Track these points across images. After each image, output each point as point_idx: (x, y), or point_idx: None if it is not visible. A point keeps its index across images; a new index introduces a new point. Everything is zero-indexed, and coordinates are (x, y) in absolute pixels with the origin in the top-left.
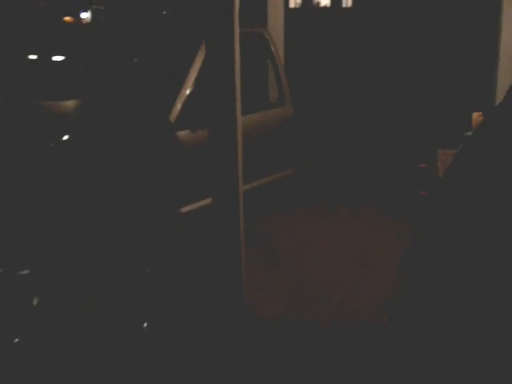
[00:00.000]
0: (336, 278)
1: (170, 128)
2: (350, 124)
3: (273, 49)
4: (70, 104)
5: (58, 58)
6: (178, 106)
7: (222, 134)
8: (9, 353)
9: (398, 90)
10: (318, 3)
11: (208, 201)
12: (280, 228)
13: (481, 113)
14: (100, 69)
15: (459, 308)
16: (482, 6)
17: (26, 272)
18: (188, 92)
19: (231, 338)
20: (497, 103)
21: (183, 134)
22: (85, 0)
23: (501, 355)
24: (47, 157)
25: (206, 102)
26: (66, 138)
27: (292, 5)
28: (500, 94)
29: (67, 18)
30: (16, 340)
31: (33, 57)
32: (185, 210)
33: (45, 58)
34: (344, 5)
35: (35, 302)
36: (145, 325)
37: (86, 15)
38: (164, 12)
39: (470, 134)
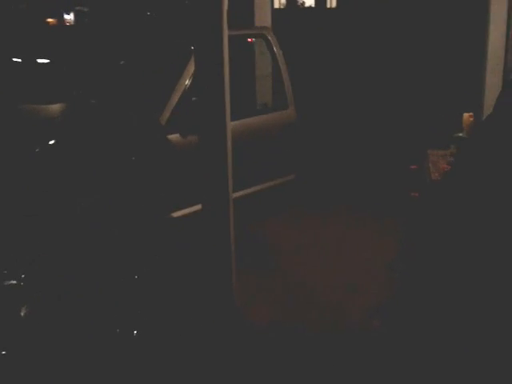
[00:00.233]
0: (329, 283)
1: (161, 130)
2: (338, 125)
3: (276, 50)
4: (56, 108)
5: (42, 61)
6: (169, 109)
7: (212, 139)
8: None
9: (387, 92)
10: (303, 3)
11: (199, 206)
12: (274, 233)
13: (472, 113)
14: (86, 71)
15: (451, 310)
16: (469, 7)
17: (13, 282)
18: (179, 95)
19: (221, 345)
20: (485, 103)
21: (173, 138)
22: (68, 1)
23: (492, 355)
24: (34, 162)
25: (197, 107)
26: (52, 142)
27: (276, 5)
28: (488, 94)
29: (50, 20)
30: (3, 352)
31: (16, 60)
32: (176, 215)
33: (29, 60)
34: (328, 5)
35: (23, 312)
36: (135, 332)
37: (69, 17)
38: (148, 13)
39: (460, 134)
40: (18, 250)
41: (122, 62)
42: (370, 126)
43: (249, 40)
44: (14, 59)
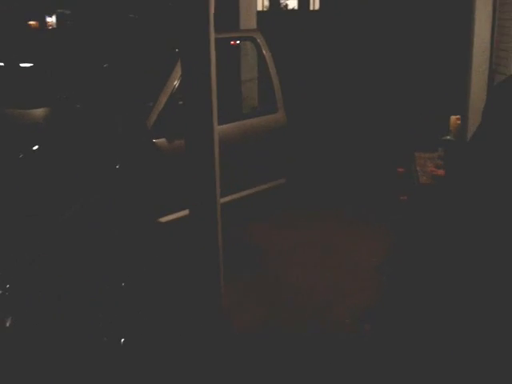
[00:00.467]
0: (317, 286)
1: (147, 135)
2: (324, 128)
3: (265, 53)
4: (40, 112)
5: (25, 65)
6: (155, 113)
7: (199, 143)
8: None
9: (373, 94)
10: (286, 6)
11: (186, 211)
12: (263, 237)
13: (459, 116)
14: (69, 75)
15: (439, 315)
16: (454, 9)
17: None
18: (165, 99)
19: (209, 349)
20: (470, 105)
21: (159, 142)
22: (50, 4)
23: (481, 358)
24: (17, 168)
25: (184, 111)
26: (36, 148)
27: (260, 8)
28: (474, 96)
29: (32, 23)
30: None
31: None
32: (164, 220)
33: (11, 64)
34: (311, 7)
35: (8, 323)
36: (122, 340)
37: (51, 19)
38: (131, 15)
39: (448, 137)
40: (2, 258)
41: (105, 65)
42: (357, 128)
43: (232, 43)
44: None
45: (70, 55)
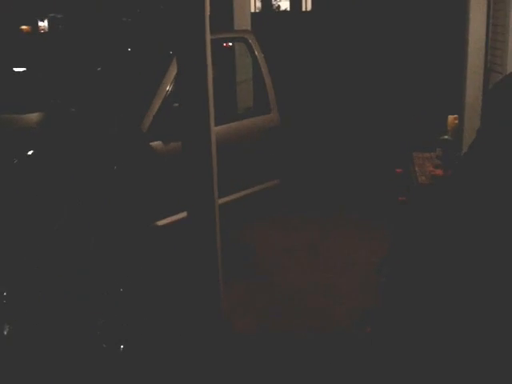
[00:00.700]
0: (315, 288)
1: (143, 138)
2: (320, 129)
3: (257, 54)
4: (34, 117)
5: (18, 69)
6: (150, 116)
7: (195, 145)
8: None
9: (370, 94)
10: (278, 7)
11: (184, 214)
12: (260, 238)
13: (456, 116)
14: (63, 79)
15: (437, 317)
16: (449, 9)
17: None
18: (160, 102)
19: (208, 352)
20: (466, 104)
21: (155, 145)
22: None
23: (481, 359)
24: (12, 174)
25: (180, 112)
26: (31, 153)
27: (252, 9)
28: (470, 95)
29: (24, 27)
30: None
31: None
32: (161, 223)
33: (4, 69)
34: (304, 8)
35: (6, 331)
36: (121, 347)
37: (43, 24)
38: (123, 19)
39: (446, 137)
40: None
41: (99, 69)
42: (353, 129)
43: (224, 45)
44: None
45: (63, 59)
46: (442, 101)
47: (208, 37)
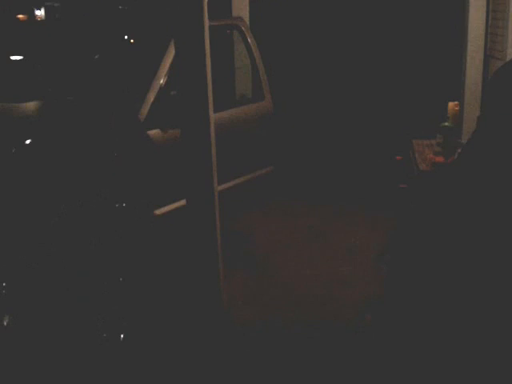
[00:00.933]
0: (315, 277)
1: (140, 126)
2: (320, 116)
3: (250, 41)
4: (32, 105)
5: (15, 58)
6: (148, 104)
7: (195, 133)
8: None
9: (369, 81)
10: None
11: (183, 202)
12: (257, 227)
13: (457, 102)
14: (60, 67)
15: (442, 304)
16: None
17: None
18: (158, 89)
19: (209, 345)
20: (466, 91)
21: (153, 133)
22: None
23: (485, 350)
24: (10, 163)
25: (178, 100)
26: (29, 142)
27: None
28: (469, 82)
29: (21, 16)
30: None
31: None
32: (160, 212)
33: (1, 57)
34: None
35: (6, 321)
36: (122, 336)
37: (40, 12)
38: (120, 7)
39: (446, 124)
40: None
41: (96, 57)
42: (352, 116)
43: None
44: None
45: (60, 48)
46: (441, 87)
47: (206, 23)
